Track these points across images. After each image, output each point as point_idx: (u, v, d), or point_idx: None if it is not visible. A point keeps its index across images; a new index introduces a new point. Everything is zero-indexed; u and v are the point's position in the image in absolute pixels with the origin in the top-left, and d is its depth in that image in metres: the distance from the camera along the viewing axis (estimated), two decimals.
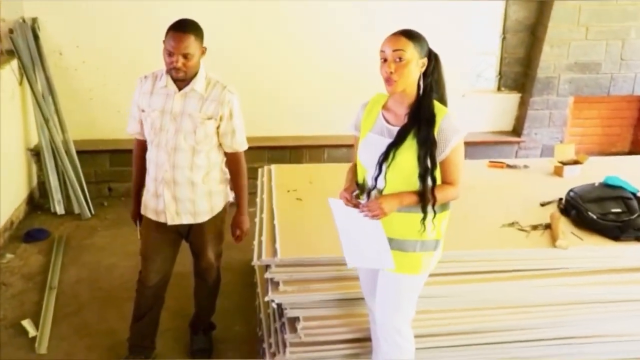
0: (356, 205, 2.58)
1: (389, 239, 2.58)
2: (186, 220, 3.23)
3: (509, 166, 4.42)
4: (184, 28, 2.95)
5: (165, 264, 3.37)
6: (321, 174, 4.18)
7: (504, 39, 6.19)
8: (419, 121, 2.51)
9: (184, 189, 3.15)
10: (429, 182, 2.51)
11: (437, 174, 2.55)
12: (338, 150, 5.99)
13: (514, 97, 6.34)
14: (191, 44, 2.94)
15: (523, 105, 6.30)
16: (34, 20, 5.44)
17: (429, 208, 2.54)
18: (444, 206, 2.64)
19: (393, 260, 2.59)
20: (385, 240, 2.56)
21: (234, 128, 3.16)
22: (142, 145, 3.25)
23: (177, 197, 3.16)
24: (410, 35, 2.52)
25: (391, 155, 2.53)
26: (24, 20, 5.38)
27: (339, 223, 2.69)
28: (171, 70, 2.97)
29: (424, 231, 2.57)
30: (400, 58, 2.48)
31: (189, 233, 3.32)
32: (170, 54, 2.93)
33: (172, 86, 3.05)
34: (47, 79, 5.43)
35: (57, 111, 5.48)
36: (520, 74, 6.31)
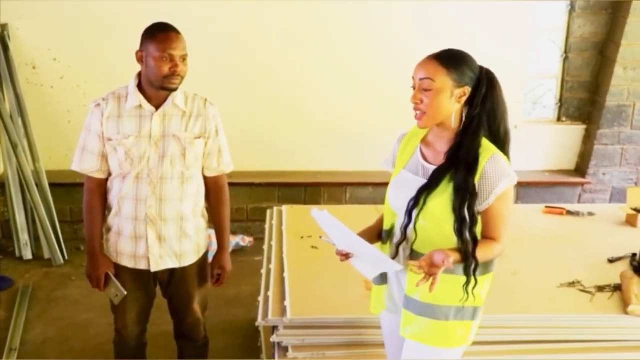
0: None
1: (419, 303, 2.58)
2: (170, 264, 3.26)
3: (569, 212, 4.43)
4: (173, 28, 3.05)
5: (142, 314, 3.42)
6: (342, 217, 4.17)
7: (565, 58, 6.24)
8: (458, 162, 2.48)
9: (172, 226, 3.20)
10: (468, 238, 2.47)
11: (478, 229, 2.52)
12: (363, 189, 6.02)
13: (577, 129, 6.37)
14: (185, 44, 3.05)
15: (588, 139, 6.32)
16: (3, 26, 5.56)
17: (471, 271, 2.49)
18: (486, 267, 2.59)
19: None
20: (378, 251, 2.56)
21: (220, 146, 3.27)
22: (102, 184, 3.25)
23: (162, 236, 3.20)
24: (445, 58, 2.47)
25: (422, 201, 2.50)
26: None
27: (333, 238, 2.64)
28: (169, 78, 3.01)
29: (466, 298, 2.53)
30: (427, 88, 2.46)
31: (169, 282, 3.35)
32: (169, 58, 2.99)
33: (148, 105, 3.10)
34: (17, 97, 5.53)
35: (27, 135, 5.57)
36: (586, 101, 6.34)
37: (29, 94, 5.64)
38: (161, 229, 3.19)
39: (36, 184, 5.52)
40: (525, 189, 6.24)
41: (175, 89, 3.07)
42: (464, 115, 2.52)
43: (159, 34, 3.02)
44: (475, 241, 2.48)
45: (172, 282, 3.34)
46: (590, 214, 4.42)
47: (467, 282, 2.50)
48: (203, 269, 3.41)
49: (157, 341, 3.65)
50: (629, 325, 3.23)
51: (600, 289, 3.45)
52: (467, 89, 2.48)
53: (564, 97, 6.35)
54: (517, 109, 6.19)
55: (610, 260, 3.76)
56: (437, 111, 2.47)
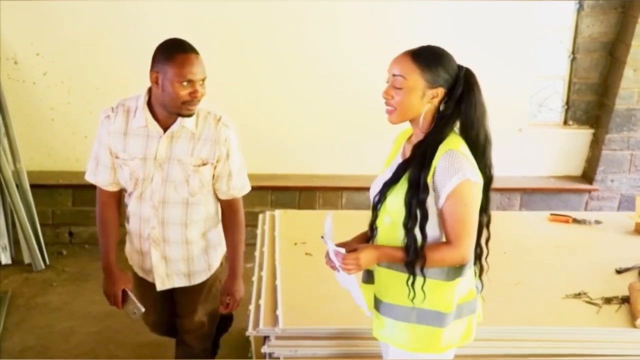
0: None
1: (382, 303, 2.65)
2: (179, 282, 3.28)
3: (576, 221, 4.44)
4: (193, 48, 2.93)
5: (164, 314, 3.51)
6: (338, 222, 4.17)
7: (573, 59, 6.24)
8: (415, 157, 2.53)
9: (177, 248, 3.19)
10: (419, 236, 2.49)
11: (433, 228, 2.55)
12: (359, 194, 6.01)
13: (584, 133, 6.37)
14: (204, 66, 2.95)
15: (596, 144, 6.32)
16: None
17: (417, 270, 2.51)
18: (456, 272, 2.57)
19: (367, 308, 2.70)
20: (355, 283, 2.65)
21: (231, 170, 3.15)
22: (116, 195, 3.25)
23: (167, 257, 3.20)
24: (420, 57, 2.51)
25: (384, 197, 2.58)
26: None
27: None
28: (187, 104, 2.91)
29: (413, 297, 2.54)
30: (399, 86, 2.50)
31: (174, 290, 3.36)
32: (189, 83, 2.87)
33: (155, 126, 3.01)
34: None
35: (8, 134, 5.54)
36: (594, 104, 6.34)
37: (10, 91, 5.60)
38: (165, 250, 3.19)
39: (17, 185, 5.49)
40: (530, 196, 6.25)
41: (191, 115, 2.98)
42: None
43: (178, 57, 2.87)
44: (425, 238, 2.51)
45: (177, 290, 3.35)
46: (597, 222, 4.43)
47: (413, 280, 2.52)
48: (213, 285, 3.39)
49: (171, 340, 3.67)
50: (637, 339, 3.25)
51: (608, 301, 3.46)
52: (441, 91, 2.52)
53: (572, 99, 6.33)
54: (522, 112, 6.20)
55: (619, 271, 3.77)
56: (406, 109, 2.53)
